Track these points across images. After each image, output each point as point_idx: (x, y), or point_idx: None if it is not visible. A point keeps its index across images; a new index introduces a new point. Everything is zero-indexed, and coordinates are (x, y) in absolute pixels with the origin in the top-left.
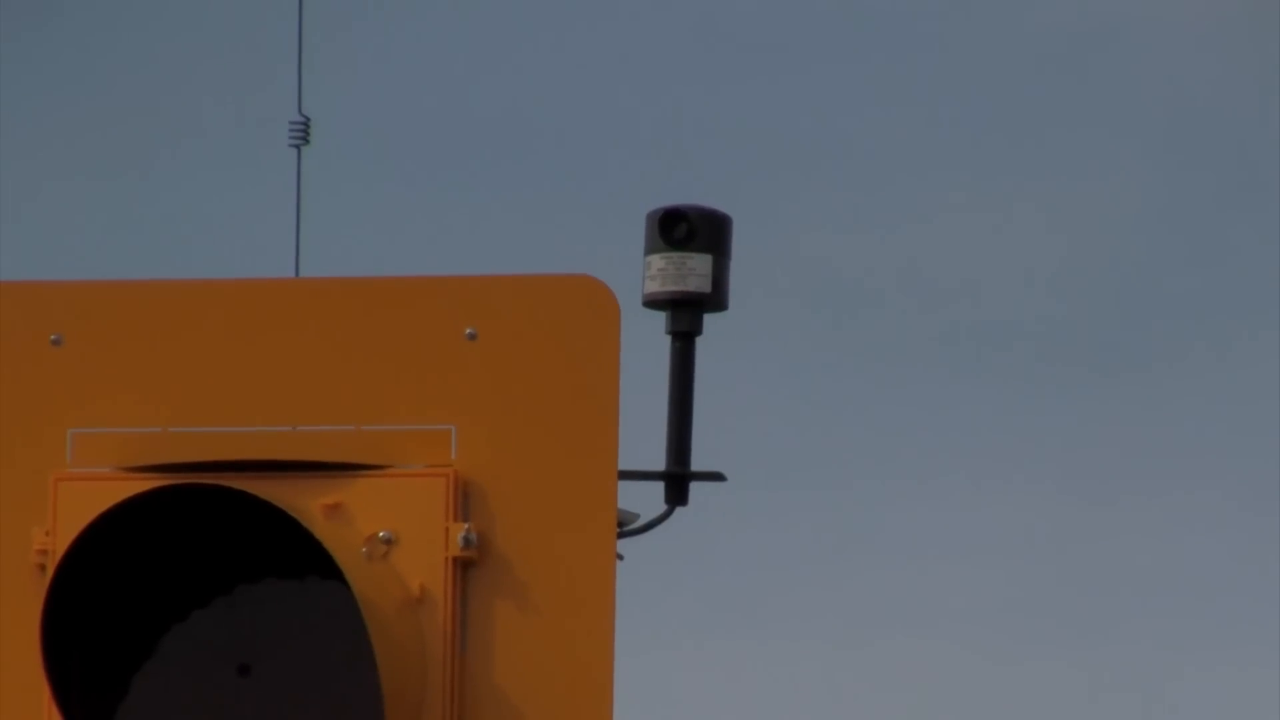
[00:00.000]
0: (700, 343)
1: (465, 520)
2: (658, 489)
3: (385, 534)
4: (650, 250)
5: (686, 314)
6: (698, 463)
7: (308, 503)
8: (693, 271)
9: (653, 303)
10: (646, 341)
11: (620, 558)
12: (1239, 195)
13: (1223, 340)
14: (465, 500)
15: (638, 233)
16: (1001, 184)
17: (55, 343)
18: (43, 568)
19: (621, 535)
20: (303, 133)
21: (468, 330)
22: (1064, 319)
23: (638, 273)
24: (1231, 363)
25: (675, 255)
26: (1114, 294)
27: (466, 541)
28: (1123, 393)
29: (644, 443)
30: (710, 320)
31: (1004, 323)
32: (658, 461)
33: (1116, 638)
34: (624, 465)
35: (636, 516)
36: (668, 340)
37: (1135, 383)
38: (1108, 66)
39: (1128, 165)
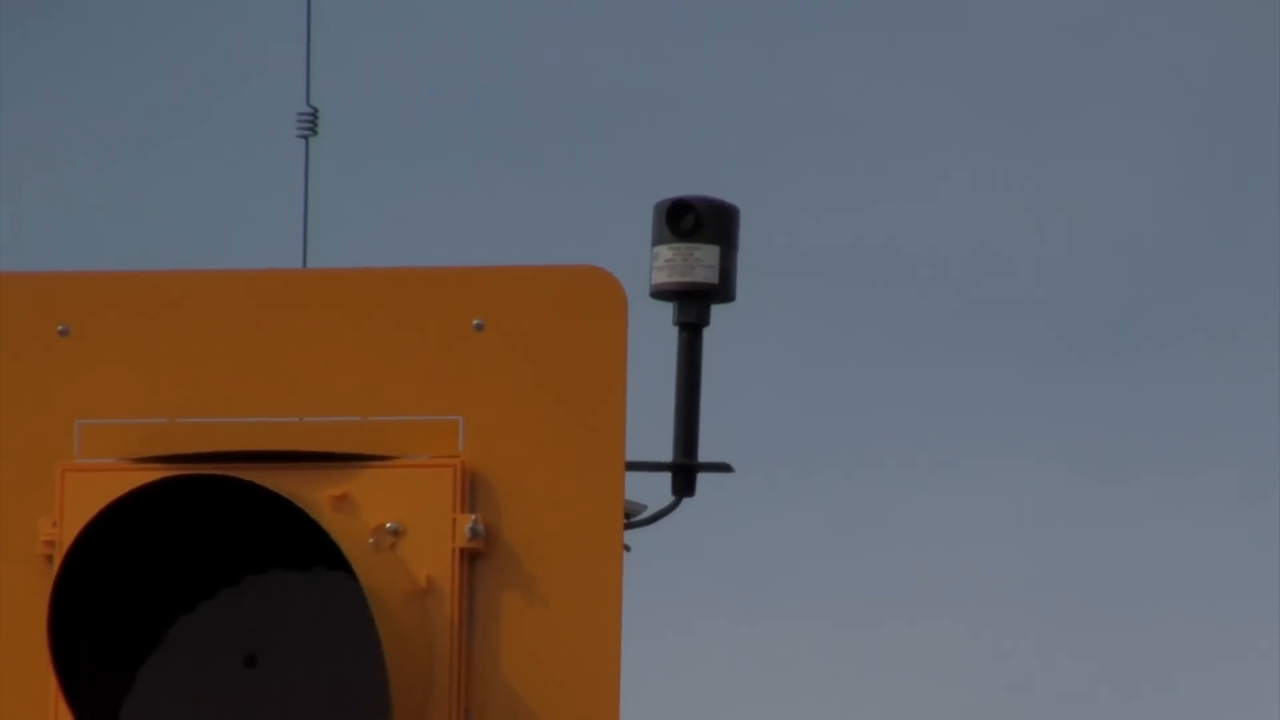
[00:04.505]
0: (707, 334)
1: (472, 511)
2: (665, 480)
3: (392, 525)
4: (657, 241)
5: (694, 305)
6: (705, 454)
7: (315, 493)
8: (700, 262)
9: (660, 294)
10: (654, 332)
11: (627, 549)
12: (1246, 181)
13: (1233, 318)
14: (472, 491)
15: (645, 223)
16: (1007, 166)
17: (62, 333)
18: (50, 558)
19: (628, 526)
20: (310, 124)
21: (475, 321)
22: (1071, 300)
23: (645, 264)
24: (1242, 341)
25: (682, 246)
26: (1121, 275)
27: (474, 532)
28: (1133, 371)
29: (651, 434)
30: (717, 311)
31: (1011, 306)
32: (665, 452)
33: (1127, 617)
34: (631, 456)
35: (644, 507)
36: (675, 331)
37: (1146, 361)
38: (1114, 45)
39: (1133, 146)
